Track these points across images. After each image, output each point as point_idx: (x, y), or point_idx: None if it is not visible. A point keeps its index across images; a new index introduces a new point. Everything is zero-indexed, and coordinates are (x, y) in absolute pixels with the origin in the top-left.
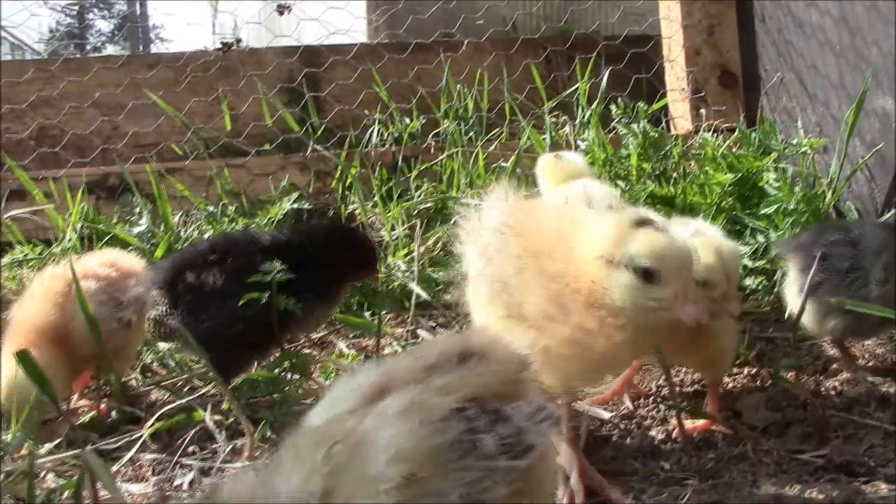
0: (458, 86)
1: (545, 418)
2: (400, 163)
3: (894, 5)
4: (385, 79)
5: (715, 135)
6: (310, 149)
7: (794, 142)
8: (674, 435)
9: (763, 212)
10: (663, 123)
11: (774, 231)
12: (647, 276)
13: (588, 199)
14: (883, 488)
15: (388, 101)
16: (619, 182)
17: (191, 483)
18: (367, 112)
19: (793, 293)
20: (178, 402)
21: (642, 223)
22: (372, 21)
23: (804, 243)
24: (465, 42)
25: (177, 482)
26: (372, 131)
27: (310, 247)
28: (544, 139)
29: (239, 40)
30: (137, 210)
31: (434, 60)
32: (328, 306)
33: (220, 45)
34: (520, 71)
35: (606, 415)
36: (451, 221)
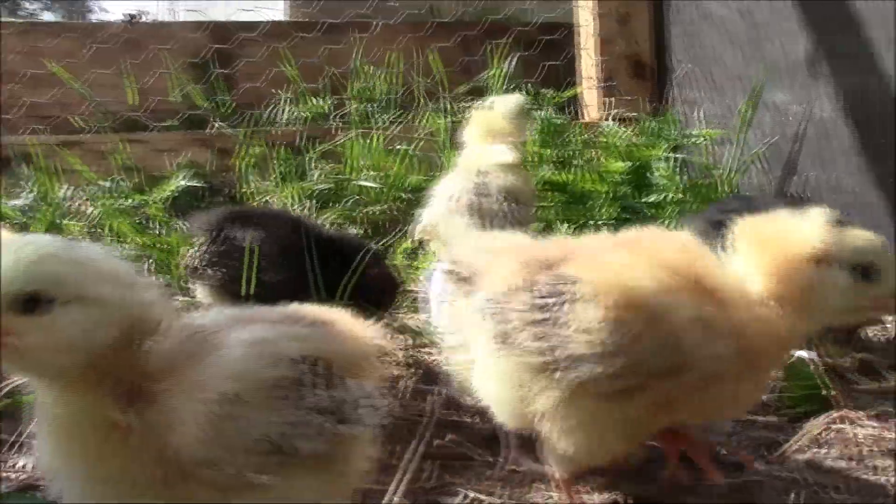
0: (369, 67)
1: (378, 407)
2: (301, 143)
3: (793, 4)
4: (298, 58)
5: (620, 124)
6: (213, 125)
7: (692, 132)
8: None
9: (650, 199)
10: (574, 111)
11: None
12: (866, 274)
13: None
14: None
15: (297, 81)
16: None
17: None
18: (276, 91)
19: None
20: None
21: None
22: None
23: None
24: (378, 24)
25: None
26: (273, 110)
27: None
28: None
29: (143, 13)
30: (26, 183)
31: (345, 41)
32: None
33: (126, 17)
34: (434, 55)
35: None
36: (346, 202)
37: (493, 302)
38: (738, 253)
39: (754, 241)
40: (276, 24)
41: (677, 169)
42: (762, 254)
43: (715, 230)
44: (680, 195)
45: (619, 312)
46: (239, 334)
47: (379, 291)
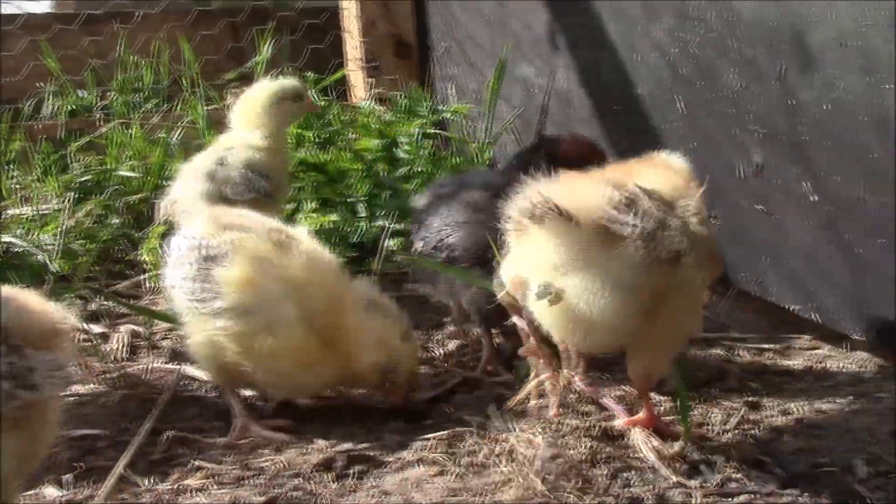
0: (132, 58)
1: (62, 377)
2: (62, 136)
3: None
4: (60, 51)
5: (382, 104)
6: None
7: (442, 107)
8: None
9: (398, 174)
10: (343, 94)
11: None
12: None
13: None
14: None
15: (60, 73)
16: None
17: None
18: (39, 84)
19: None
20: None
21: None
22: None
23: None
24: (139, 14)
25: None
26: (34, 103)
27: None
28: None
29: None
30: None
31: (107, 31)
32: None
33: None
34: (202, 42)
35: None
36: (106, 193)
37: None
38: None
39: None
40: (35, 17)
41: (421, 143)
42: None
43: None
44: (421, 168)
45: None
46: None
47: None
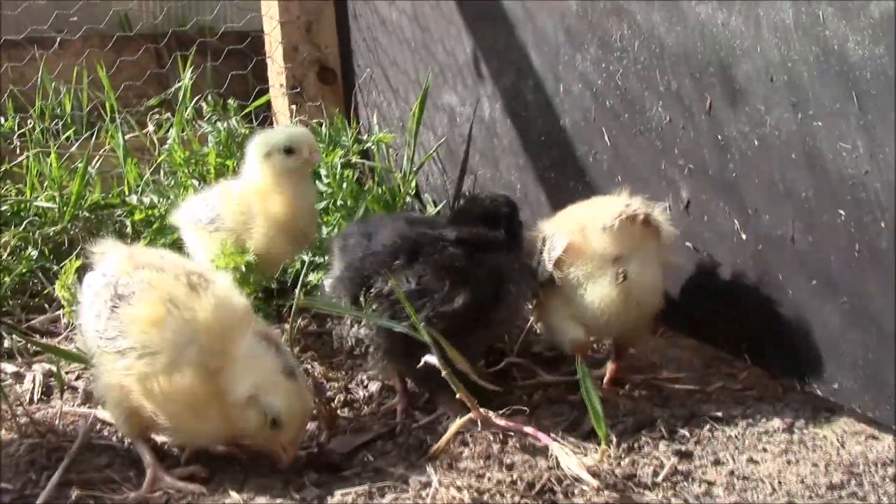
0: (52, 84)
1: None
2: None
3: (455, 6)
4: None
5: None
6: None
7: (365, 137)
8: None
9: (319, 206)
10: (269, 120)
11: (325, 227)
12: None
13: None
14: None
15: None
16: (194, 181)
17: None
18: None
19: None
20: None
21: None
22: None
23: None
24: (59, 39)
25: None
26: None
27: None
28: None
29: None
30: None
31: (27, 57)
32: None
33: None
34: (124, 67)
35: None
36: (22, 225)
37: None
38: None
39: None
40: None
41: (342, 174)
42: None
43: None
44: (344, 201)
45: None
46: None
47: None
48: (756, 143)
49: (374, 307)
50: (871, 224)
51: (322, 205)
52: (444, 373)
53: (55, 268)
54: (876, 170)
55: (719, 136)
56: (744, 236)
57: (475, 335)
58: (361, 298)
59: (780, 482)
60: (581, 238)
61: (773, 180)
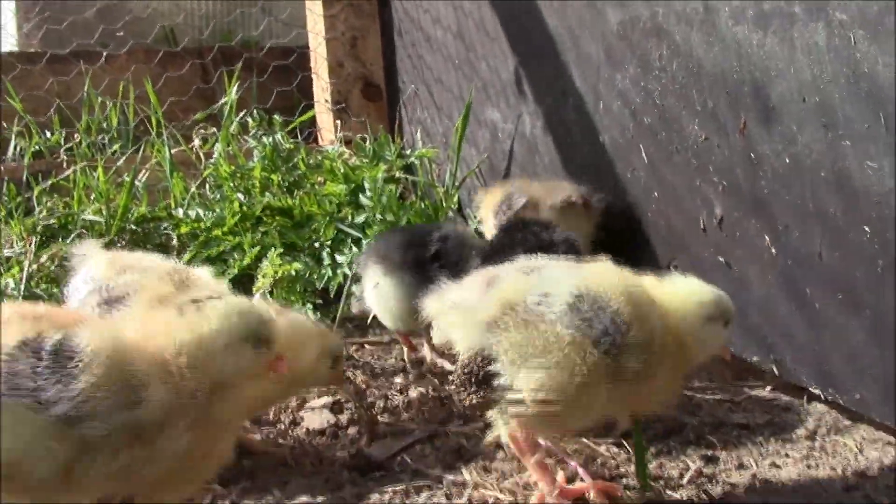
0: (98, 99)
1: None
2: (26, 178)
3: (499, 24)
4: (24, 91)
5: (350, 146)
6: None
7: (408, 152)
8: None
9: (357, 220)
10: (314, 135)
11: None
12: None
13: None
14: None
15: (24, 114)
16: (240, 195)
17: None
18: (3, 125)
19: (370, 297)
20: None
21: None
22: (23, 28)
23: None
24: (105, 54)
25: None
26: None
27: None
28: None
29: None
30: None
31: (73, 71)
32: None
33: None
34: (169, 82)
35: None
36: (70, 238)
37: None
38: None
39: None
40: None
41: (383, 188)
42: None
43: None
44: (383, 215)
45: None
46: None
47: None
48: (787, 161)
49: None
50: (895, 241)
51: (361, 218)
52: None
53: None
54: None
55: (752, 155)
56: (774, 252)
57: None
58: None
59: (799, 485)
60: (532, 207)
61: (803, 198)
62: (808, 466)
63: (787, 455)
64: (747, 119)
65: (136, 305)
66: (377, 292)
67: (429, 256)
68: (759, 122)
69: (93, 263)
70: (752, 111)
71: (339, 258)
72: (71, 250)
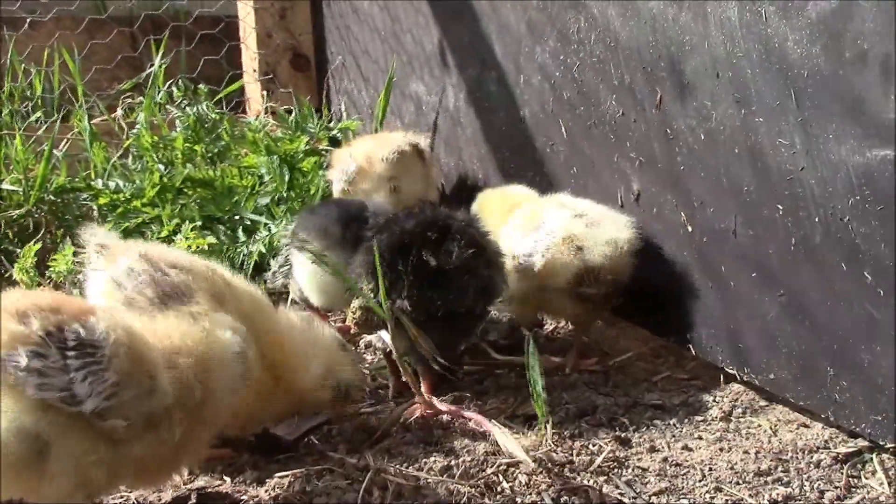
0: (21, 66)
1: None
2: None
3: None
4: None
5: (276, 117)
6: None
7: (332, 124)
8: None
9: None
10: (243, 106)
11: (271, 219)
12: None
13: None
14: None
15: None
16: (161, 166)
17: None
18: None
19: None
20: None
21: None
22: None
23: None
24: (29, 20)
25: None
26: None
27: None
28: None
29: None
30: None
31: None
32: None
33: None
34: (96, 50)
35: None
36: None
37: None
38: None
39: None
40: None
41: (280, 167)
42: None
43: None
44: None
45: None
46: None
47: None
48: (703, 137)
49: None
50: (806, 219)
51: (265, 200)
52: (394, 353)
53: (18, 251)
54: (811, 166)
55: (668, 130)
56: (689, 229)
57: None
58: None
59: (710, 469)
60: (367, 164)
61: (717, 174)
62: (721, 449)
63: (699, 437)
64: (663, 94)
65: (201, 303)
66: (314, 269)
67: (369, 233)
68: (674, 97)
69: (129, 255)
70: (668, 86)
71: (257, 236)
72: (84, 237)
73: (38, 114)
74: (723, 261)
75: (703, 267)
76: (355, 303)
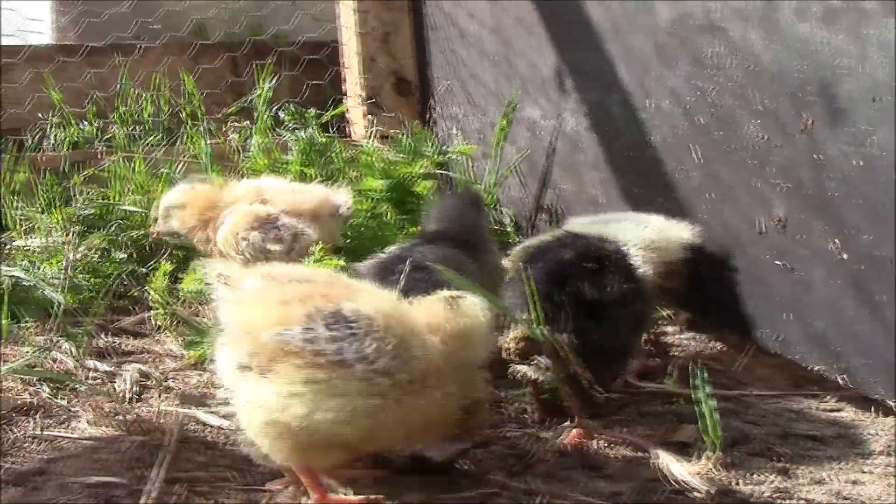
0: (133, 90)
1: None
2: (65, 167)
3: (538, 20)
4: (62, 83)
5: (383, 141)
6: None
7: (447, 148)
8: None
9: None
10: (342, 130)
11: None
12: None
13: None
14: None
15: (62, 105)
16: None
17: None
18: (42, 116)
19: None
20: None
21: None
22: (57, 22)
23: None
24: (141, 46)
25: None
26: (38, 135)
27: None
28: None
29: None
30: None
31: (108, 64)
32: None
33: None
34: (202, 75)
35: None
36: (110, 227)
37: None
38: None
39: None
40: (38, 48)
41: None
42: None
43: None
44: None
45: None
46: None
47: None
48: (859, 163)
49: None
50: None
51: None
52: (546, 379)
53: (140, 270)
54: None
55: (817, 156)
56: (842, 256)
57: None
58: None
59: None
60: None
61: (875, 200)
62: (889, 485)
63: (863, 471)
64: (812, 118)
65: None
66: None
67: None
68: (825, 122)
69: (253, 278)
70: (817, 110)
71: None
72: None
73: (157, 136)
74: (881, 289)
75: (859, 295)
76: (514, 332)
